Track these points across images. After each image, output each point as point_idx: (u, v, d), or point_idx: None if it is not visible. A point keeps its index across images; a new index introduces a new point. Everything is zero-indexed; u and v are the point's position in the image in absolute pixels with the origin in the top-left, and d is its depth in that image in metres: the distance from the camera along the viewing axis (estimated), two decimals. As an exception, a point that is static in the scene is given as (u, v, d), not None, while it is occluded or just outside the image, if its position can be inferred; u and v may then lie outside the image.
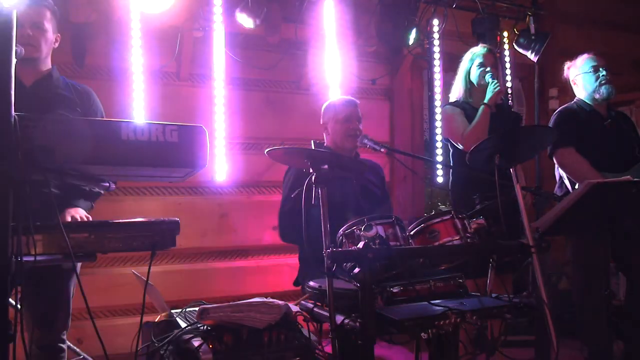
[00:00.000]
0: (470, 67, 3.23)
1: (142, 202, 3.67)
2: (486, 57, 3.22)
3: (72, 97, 2.48)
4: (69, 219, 2.28)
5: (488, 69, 3.16)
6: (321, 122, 3.05)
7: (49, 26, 2.43)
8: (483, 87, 3.17)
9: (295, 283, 2.87)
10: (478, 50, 3.27)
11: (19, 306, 1.75)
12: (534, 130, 2.92)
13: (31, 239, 1.63)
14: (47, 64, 2.49)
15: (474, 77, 3.22)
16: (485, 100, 3.10)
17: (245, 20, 3.53)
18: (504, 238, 2.23)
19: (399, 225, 2.21)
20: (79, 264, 2.24)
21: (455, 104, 3.27)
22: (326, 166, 2.15)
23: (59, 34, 2.51)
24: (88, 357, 3.10)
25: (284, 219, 2.84)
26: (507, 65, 4.73)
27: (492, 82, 3.10)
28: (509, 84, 4.73)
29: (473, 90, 3.24)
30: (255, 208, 3.96)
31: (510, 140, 2.33)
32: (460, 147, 3.14)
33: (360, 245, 1.93)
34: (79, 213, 2.35)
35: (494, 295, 2.30)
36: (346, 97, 3.15)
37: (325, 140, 3.05)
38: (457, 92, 3.30)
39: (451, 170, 3.38)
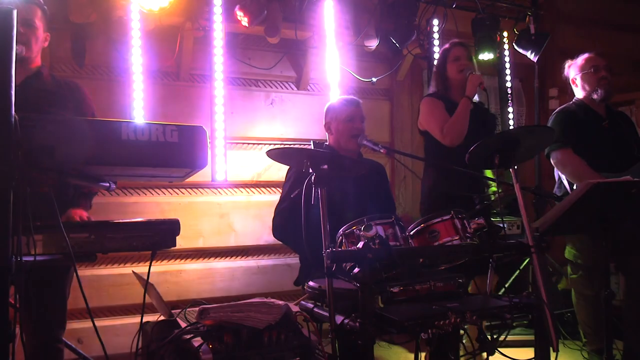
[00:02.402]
0: (445, 62, 3.19)
1: (142, 202, 3.67)
2: (460, 50, 3.18)
3: (63, 94, 2.47)
4: (77, 218, 2.29)
5: (464, 63, 3.12)
6: (324, 123, 3.04)
7: (39, 24, 2.42)
8: (460, 81, 3.12)
9: (296, 283, 2.87)
10: (451, 45, 3.23)
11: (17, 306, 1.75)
12: (534, 130, 2.91)
13: (31, 239, 1.63)
14: (37, 62, 2.47)
15: (450, 72, 3.17)
16: (466, 93, 3.03)
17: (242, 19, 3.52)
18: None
19: (399, 225, 2.21)
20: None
21: (435, 95, 3.20)
22: (326, 166, 2.15)
23: (48, 33, 2.50)
24: (88, 357, 3.10)
25: (279, 217, 2.84)
26: (507, 65, 4.72)
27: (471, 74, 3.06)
28: (509, 84, 4.73)
29: (449, 85, 3.18)
30: (255, 208, 3.96)
31: (510, 140, 2.33)
32: (438, 139, 3.05)
33: (360, 245, 1.93)
34: (84, 215, 2.36)
35: (494, 295, 2.31)
36: (349, 96, 3.14)
37: (328, 140, 3.05)
38: (434, 86, 3.25)
39: (424, 166, 3.30)
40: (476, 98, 3.14)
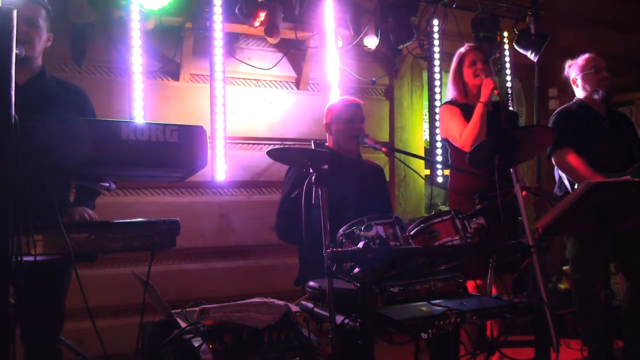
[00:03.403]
0: (462, 67, 3.17)
1: (142, 202, 3.67)
2: (476, 54, 3.16)
3: (65, 96, 2.47)
4: (77, 217, 2.29)
5: (480, 67, 3.11)
6: (324, 123, 3.05)
7: (43, 24, 2.42)
8: (477, 86, 3.11)
9: (296, 283, 2.87)
10: (466, 49, 3.20)
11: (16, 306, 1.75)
12: (534, 130, 2.91)
13: (31, 239, 1.63)
14: (39, 63, 2.48)
15: (466, 77, 3.15)
16: (481, 99, 3.02)
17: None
18: (504, 238, 2.23)
19: (399, 225, 2.21)
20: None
21: (452, 103, 3.21)
22: (326, 166, 2.15)
23: (51, 34, 2.50)
24: (88, 357, 3.10)
25: (282, 218, 2.84)
26: (507, 65, 4.73)
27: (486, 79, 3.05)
28: (509, 84, 4.72)
29: (467, 89, 3.16)
30: (255, 208, 3.95)
31: (510, 140, 2.33)
32: (458, 146, 3.09)
33: (360, 245, 1.93)
34: (87, 212, 2.36)
35: (494, 295, 2.31)
36: (350, 97, 3.14)
37: (327, 141, 3.05)
38: (451, 93, 3.25)
39: (450, 170, 3.35)
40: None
